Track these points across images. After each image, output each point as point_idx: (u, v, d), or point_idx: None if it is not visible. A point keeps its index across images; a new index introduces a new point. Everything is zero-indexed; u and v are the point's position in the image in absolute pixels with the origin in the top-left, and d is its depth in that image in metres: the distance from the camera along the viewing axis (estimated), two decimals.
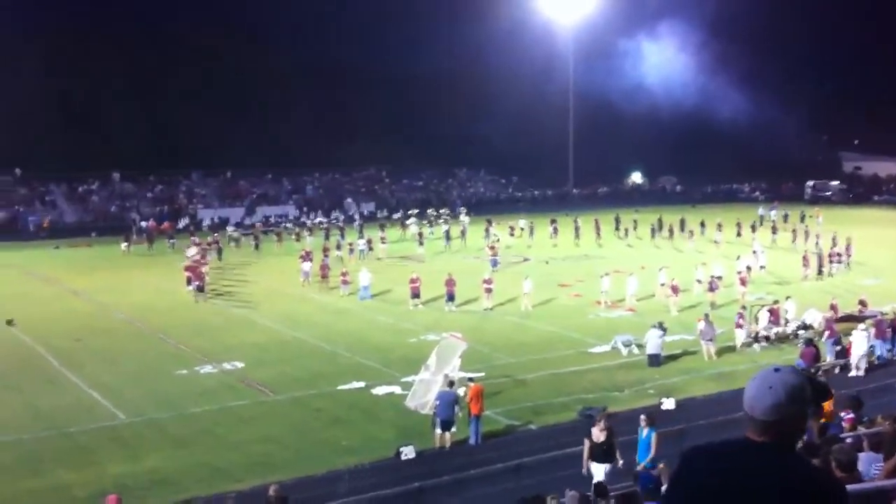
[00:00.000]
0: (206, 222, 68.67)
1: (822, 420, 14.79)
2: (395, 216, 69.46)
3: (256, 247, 52.90)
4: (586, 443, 15.88)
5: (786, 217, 63.71)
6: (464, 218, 61.96)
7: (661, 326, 26.61)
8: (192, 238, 51.25)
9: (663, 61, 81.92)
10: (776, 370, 3.16)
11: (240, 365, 26.57)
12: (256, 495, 15.07)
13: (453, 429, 18.94)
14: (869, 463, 11.04)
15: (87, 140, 71.97)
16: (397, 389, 23.29)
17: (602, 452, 15.74)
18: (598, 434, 15.93)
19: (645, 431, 15.92)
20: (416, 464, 17.85)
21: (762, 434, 3.06)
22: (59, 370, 26.32)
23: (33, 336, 30.74)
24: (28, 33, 69.72)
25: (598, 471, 15.66)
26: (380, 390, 23.54)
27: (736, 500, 2.93)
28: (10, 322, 32.22)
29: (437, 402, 19.17)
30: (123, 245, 53.28)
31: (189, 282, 38.42)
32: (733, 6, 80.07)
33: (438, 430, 18.91)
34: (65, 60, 71.16)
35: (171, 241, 55.53)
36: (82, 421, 21.40)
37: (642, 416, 16.32)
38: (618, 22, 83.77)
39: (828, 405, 15.06)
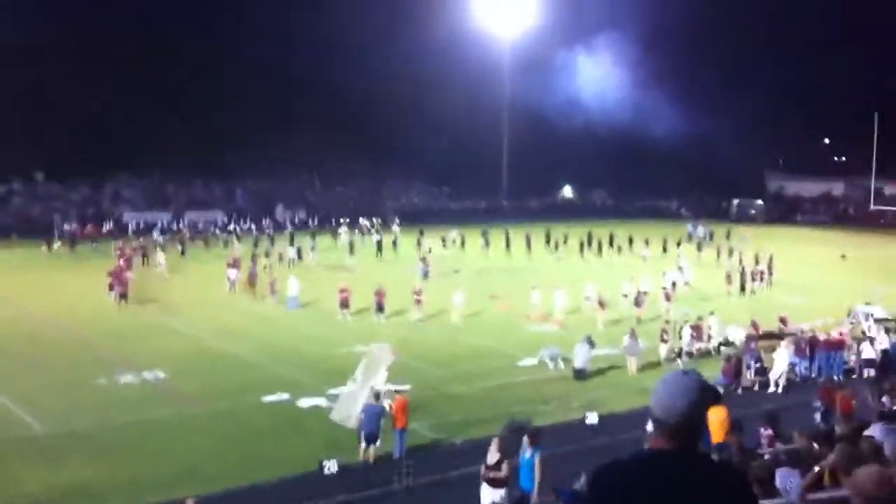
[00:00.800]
0: (132, 226, 67.25)
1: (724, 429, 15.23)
2: (328, 225, 68.97)
3: (182, 253, 51.99)
4: (483, 467, 14.67)
5: (711, 234, 64.61)
6: (395, 228, 61.89)
7: (589, 341, 26.89)
8: (116, 243, 50.27)
9: (599, 75, 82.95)
10: (684, 374, 3.26)
11: (162, 375, 26.03)
12: None
13: (378, 443, 18.82)
14: (786, 478, 11.30)
15: (9, 139, 69.94)
16: (323, 402, 23.06)
17: (495, 477, 14.50)
18: (492, 455, 14.58)
19: (528, 452, 14.40)
20: (339, 477, 17.69)
21: (671, 439, 3.12)
22: None
23: None
24: None
25: (488, 497, 14.47)
26: (305, 402, 23.29)
27: None
28: None
29: (363, 416, 19.02)
30: (44, 248, 51.96)
31: (111, 287, 37.61)
32: (669, 21, 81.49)
33: (363, 444, 18.76)
34: None
35: (95, 244, 54.32)
36: None
37: (525, 437, 14.72)
38: (554, 35, 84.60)
39: (723, 413, 15.47)
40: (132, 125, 73.81)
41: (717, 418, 16.27)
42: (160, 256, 46.95)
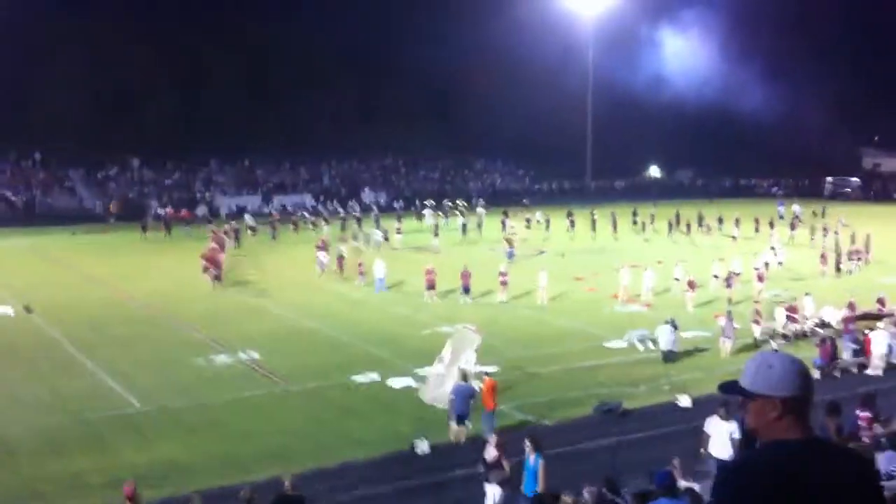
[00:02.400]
0: (224, 210, 68.86)
1: None
2: (413, 208, 69.34)
3: (273, 236, 52.97)
4: (480, 465, 14.57)
5: (797, 217, 59.93)
6: (480, 209, 61.88)
7: (672, 322, 26.49)
8: (209, 226, 51.52)
9: (686, 52, 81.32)
10: (781, 353, 3.22)
11: (255, 355, 26.62)
12: (270, 487, 15.08)
13: (468, 423, 18.90)
14: (891, 461, 10.94)
15: (107, 126, 72.34)
16: (412, 382, 23.27)
17: (496, 473, 14.31)
18: (491, 451, 14.54)
19: (532, 458, 14.09)
20: (430, 457, 17.84)
21: (800, 417, 3.00)
22: (76, 357, 26.47)
23: (51, 322, 30.92)
24: (52, 21, 70.07)
25: (490, 493, 14.33)
26: (394, 382, 23.52)
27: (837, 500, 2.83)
28: (27, 308, 32.39)
29: (453, 397, 19.10)
30: (140, 233, 53.55)
31: (205, 270, 38.54)
32: None
33: (453, 424, 18.87)
34: (88, 48, 71.39)
35: (188, 228, 55.74)
36: (98, 408, 21.51)
37: (526, 440, 14.37)
38: (639, 11, 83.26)
39: None
40: (223, 112, 75.46)
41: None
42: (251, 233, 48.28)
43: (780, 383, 3.01)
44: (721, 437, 15.23)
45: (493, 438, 14.83)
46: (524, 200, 68.11)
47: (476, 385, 19.96)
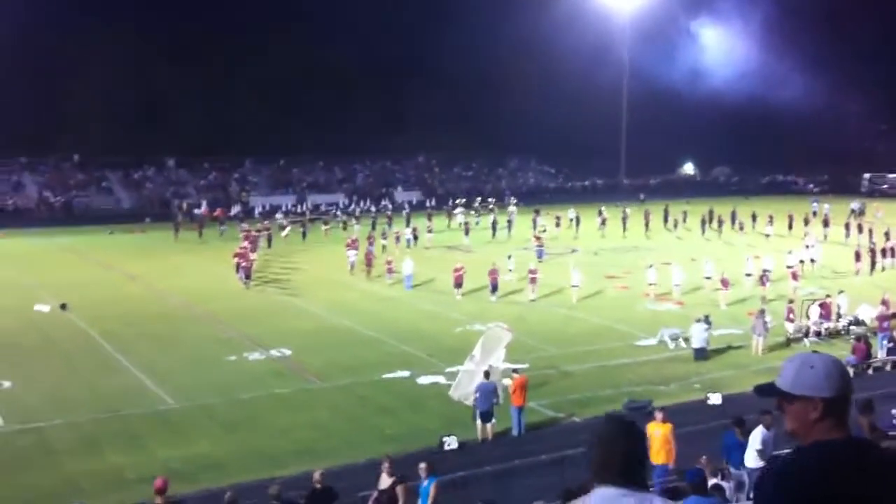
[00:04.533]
0: (258, 210, 69.44)
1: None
2: (444, 206, 69.36)
3: (304, 235, 53.24)
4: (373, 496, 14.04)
5: (826, 216, 56.59)
6: (512, 208, 61.80)
7: (706, 320, 26.37)
8: (241, 225, 51.97)
9: (723, 46, 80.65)
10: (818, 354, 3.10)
11: (287, 352, 26.89)
12: (300, 482, 15.27)
13: (493, 420, 18.99)
14: None
15: (143, 127, 73.29)
16: (442, 379, 23.37)
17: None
18: (384, 480, 14.09)
19: (426, 482, 13.88)
20: (459, 454, 17.94)
21: (841, 418, 2.95)
22: (111, 354, 26.88)
23: (88, 320, 31.41)
24: (88, 26, 71.13)
25: None
26: (424, 380, 23.66)
27: None
28: (63, 306, 32.93)
29: (477, 395, 19.21)
30: (173, 233, 54.03)
31: (238, 268, 38.93)
32: None
33: (479, 422, 18.97)
34: (122, 51, 72.41)
35: (223, 227, 56.27)
36: (134, 404, 21.86)
37: (421, 465, 14.13)
38: (676, 4, 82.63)
39: (668, 430, 16.06)
40: (259, 114, 76.21)
41: (661, 433, 15.77)
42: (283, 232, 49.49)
43: (821, 383, 2.95)
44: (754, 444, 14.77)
45: (385, 465, 14.40)
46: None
47: (506, 382, 20.02)
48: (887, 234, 45.30)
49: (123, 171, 76.16)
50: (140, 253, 49.34)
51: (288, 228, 54.10)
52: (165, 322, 31.58)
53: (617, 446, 3.19)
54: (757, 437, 14.47)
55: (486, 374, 19.69)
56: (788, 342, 27.39)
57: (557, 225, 55.71)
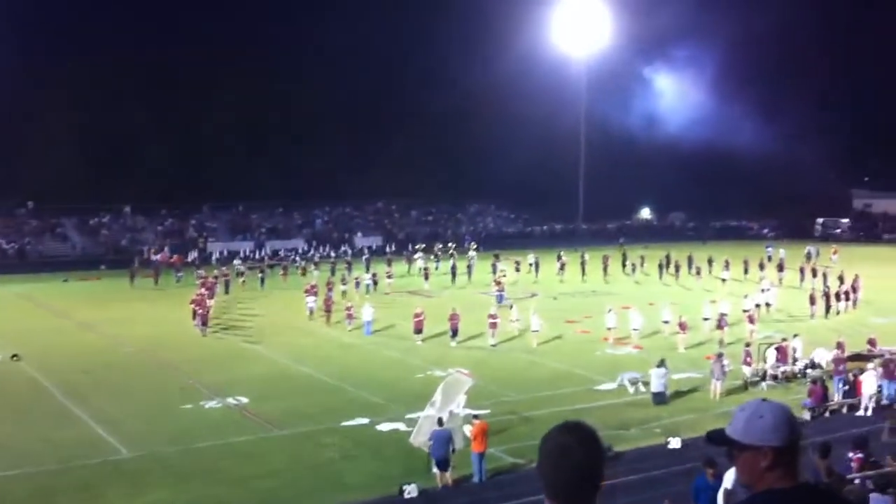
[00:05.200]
0: (216, 256, 68.79)
1: None
2: (404, 252, 69.26)
3: (262, 281, 52.73)
4: None
5: (782, 260, 57.28)
6: (472, 253, 61.92)
7: (663, 364, 26.51)
8: (198, 272, 51.45)
9: (677, 95, 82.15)
10: (768, 401, 3.14)
11: (244, 400, 26.53)
12: None
13: (451, 466, 18.83)
14: None
15: (100, 173, 72.58)
16: (402, 426, 23.19)
17: None
18: None
19: None
20: (420, 502, 17.75)
21: (789, 467, 2.98)
22: (64, 404, 26.32)
23: (41, 369, 30.77)
24: (42, 68, 70.70)
25: None
26: (385, 426, 23.46)
27: None
28: (14, 357, 32.26)
29: (431, 442, 19.04)
30: (128, 281, 53.29)
31: (195, 315, 38.50)
32: (751, 35, 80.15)
33: (436, 470, 18.80)
34: (80, 97, 71.89)
35: (179, 274, 55.68)
36: (88, 455, 21.37)
37: None
38: (631, 55, 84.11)
39: None
40: (216, 158, 75.91)
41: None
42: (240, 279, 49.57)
43: (771, 434, 2.98)
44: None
45: None
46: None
47: (467, 428, 19.90)
48: (841, 278, 46.02)
49: (79, 218, 75.20)
50: (95, 300, 48.58)
51: (246, 275, 53.64)
52: (120, 371, 31.02)
53: (569, 459, 2.91)
54: (730, 478, 14.50)
55: (440, 422, 19.50)
56: (746, 386, 27.61)
57: (517, 269, 55.88)
